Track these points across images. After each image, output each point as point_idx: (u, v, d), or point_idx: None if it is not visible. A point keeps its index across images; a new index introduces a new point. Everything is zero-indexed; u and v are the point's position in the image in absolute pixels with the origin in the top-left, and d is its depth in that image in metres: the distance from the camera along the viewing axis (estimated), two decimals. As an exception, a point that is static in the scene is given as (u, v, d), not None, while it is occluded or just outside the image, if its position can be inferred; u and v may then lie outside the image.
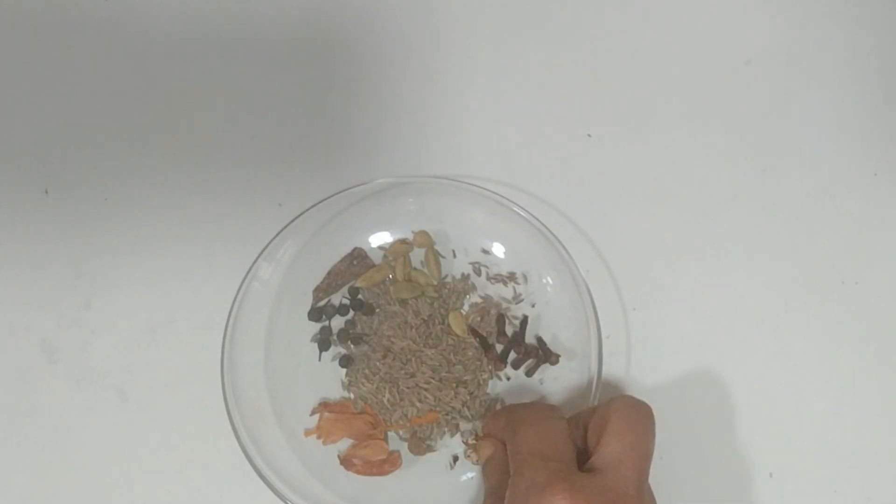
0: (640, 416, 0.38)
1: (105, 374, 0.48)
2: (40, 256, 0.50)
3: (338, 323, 0.48)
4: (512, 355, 0.47)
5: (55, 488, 0.47)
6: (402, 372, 0.46)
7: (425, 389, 0.46)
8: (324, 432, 0.46)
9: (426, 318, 0.47)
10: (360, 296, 0.48)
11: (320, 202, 0.47)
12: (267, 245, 0.46)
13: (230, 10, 0.53)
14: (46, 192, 0.51)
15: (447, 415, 0.46)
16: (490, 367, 0.47)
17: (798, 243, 0.50)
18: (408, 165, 0.51)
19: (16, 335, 0.49)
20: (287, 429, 0.46)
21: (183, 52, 0.52)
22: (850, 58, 0.53)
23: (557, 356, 0.46)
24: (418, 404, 0.46)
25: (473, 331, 0.47)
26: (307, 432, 0.46)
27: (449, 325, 0.47)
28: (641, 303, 0.49)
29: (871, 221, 0.50)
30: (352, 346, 0.48)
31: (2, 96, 0.52)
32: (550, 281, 0.47)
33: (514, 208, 0.46)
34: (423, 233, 0.48)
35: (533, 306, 0.48)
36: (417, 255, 0.49)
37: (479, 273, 0.49)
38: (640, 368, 0.48)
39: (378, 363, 0.46)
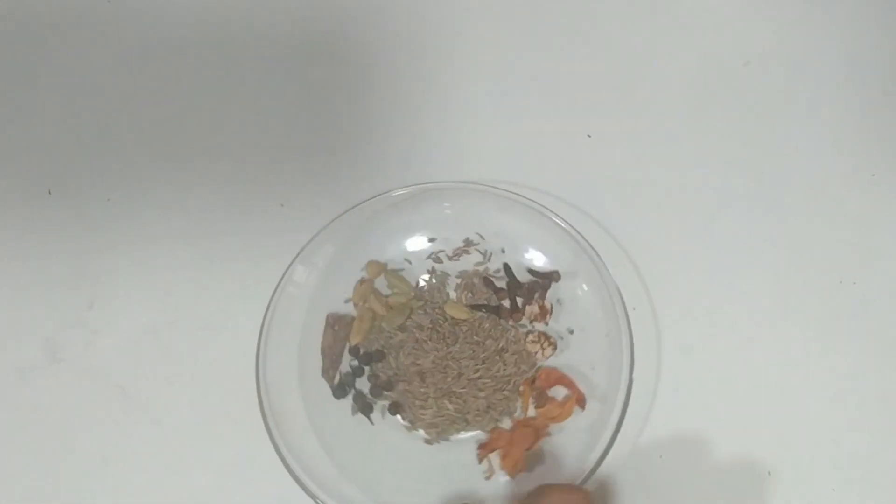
0: None
1: (107, 373, 0.48)
2: (43, 256, 0.50)
3: (363, 383, 0.48)
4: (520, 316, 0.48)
5: (58, 486, 0.47)
6: (449, 380, 0.47)
7: (477, 377, 0.46)
8: (510, 465, 0.45)
9: (431, 325, 0.47)
10: (362, 351, 0.48)
11: (350, 209, 0.47)
12: (302, 249, 0.47)
13: (239, 12, 0.53)
14: (49, 192, 0.51)
15: (510, 384, 0.46)
16: (510, 323, 0.48)
17: (796, 243, 0.50)
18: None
19: (19, 335, 0.49)
20: (318, 429, 0.46)
21: (186, 53, 0.53)
22: (849, 58, 0.53)
23: (557, 273, 0.47)
24: (481, 394, 0.46)
25: (475, 306, 0.48)
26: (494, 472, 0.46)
27: (451, 316, 0.47)
28: (638, 302, 0.49)
29: (870, 221, 0.50)
30: (388, 393, 0.47)
31: (5, 97, 0.52)
32: (585, 288, 0.48)
33: (553, 217, 0.46)
34: (372, 263, 0.48)
35: (571, 332, 0.48)
36: (381, 283, 0.49)
37: (439, 261, 0.49)
38: (638, 368, 0.48)
39: (422, 389, 0.47)
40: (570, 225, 0.46)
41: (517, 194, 0.47)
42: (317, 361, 0.47)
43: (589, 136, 0.52)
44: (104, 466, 0.47)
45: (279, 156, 0.51)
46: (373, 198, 0.47)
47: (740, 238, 0.50)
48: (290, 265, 0.46)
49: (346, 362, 0.48)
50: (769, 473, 0.47)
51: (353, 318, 0.48)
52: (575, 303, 0.48)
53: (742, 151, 0.51)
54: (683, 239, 0.50)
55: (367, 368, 0.48)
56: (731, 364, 0.48)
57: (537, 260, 0.49)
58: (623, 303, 0.46)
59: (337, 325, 0.47)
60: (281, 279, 0.46)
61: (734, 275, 0.49)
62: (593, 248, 0.46)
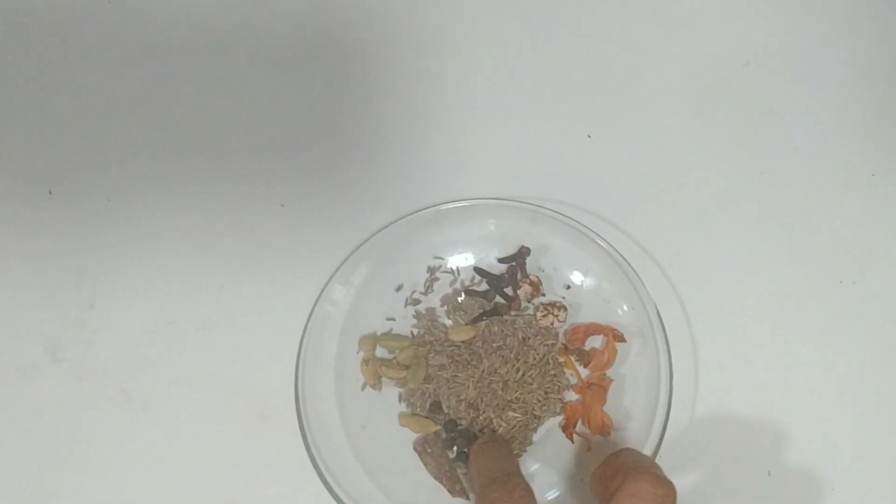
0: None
1: (108, 373, 0.49)
2: (44, 256, 0.50)
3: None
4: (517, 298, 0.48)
5: (57, 487, 0.47)
6: (499, 394, 0.47)
7: (521, 376, 0.47)
8: (598, 426, 0.46)
9: (450, 359, 0.47)
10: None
11: (385, 227, 0.47)
12: (339, 266, 0.47)
13: (239, 12, 0.53)
14: (50, 192, 0.51)
15: (550, 363, 0.47)
16: (514, 314, 0.48)
17: (796, 243, 0.50)
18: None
19: (19, 335, 0.49)
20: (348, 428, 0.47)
21: (187, 53, 0.53)
22: (849, 58, 0.53)
23: (526, 248, 0.48)
24: (532, 387, 0.47)
25: (475, 319, 0.48)
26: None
27: (461, 340, 0.47)
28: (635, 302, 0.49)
29: (869, 222, 0.50)
30: (462, 438, 0.47)
31: (5, 97, 0.52)
32: (626, 308, 0.48)
33: (598, 241, 0.46)
34: (363, 339, 0.48)
35: (568, 287, 0.48)
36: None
37: (417, 301, 0.49)
38: (637, 366, 0.48)
39: (482, 417, 0.47)
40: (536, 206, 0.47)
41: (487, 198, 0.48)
42: (354, 374, 0.48)
43: (589, 136, 0.52)
44: (104, 466, 0.48)
45: (279, 156, 0.51)
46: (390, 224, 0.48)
47: (738, 238, 0.50)
48: (327, 283, 0.47)
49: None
50: (769, 473, 0.47)
51: (435, 435, 0.47)
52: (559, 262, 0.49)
53: (741, 152, 0.51)
54: (680, 238, 0.50)
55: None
56: (729, 364, 0.48)
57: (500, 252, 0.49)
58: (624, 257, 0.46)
59: (429, 448, 0.46)
60: (318, 297, 0.46)
61: (732, 274, 0.50)
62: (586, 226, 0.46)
